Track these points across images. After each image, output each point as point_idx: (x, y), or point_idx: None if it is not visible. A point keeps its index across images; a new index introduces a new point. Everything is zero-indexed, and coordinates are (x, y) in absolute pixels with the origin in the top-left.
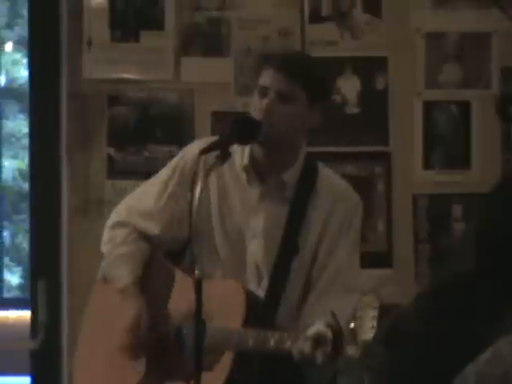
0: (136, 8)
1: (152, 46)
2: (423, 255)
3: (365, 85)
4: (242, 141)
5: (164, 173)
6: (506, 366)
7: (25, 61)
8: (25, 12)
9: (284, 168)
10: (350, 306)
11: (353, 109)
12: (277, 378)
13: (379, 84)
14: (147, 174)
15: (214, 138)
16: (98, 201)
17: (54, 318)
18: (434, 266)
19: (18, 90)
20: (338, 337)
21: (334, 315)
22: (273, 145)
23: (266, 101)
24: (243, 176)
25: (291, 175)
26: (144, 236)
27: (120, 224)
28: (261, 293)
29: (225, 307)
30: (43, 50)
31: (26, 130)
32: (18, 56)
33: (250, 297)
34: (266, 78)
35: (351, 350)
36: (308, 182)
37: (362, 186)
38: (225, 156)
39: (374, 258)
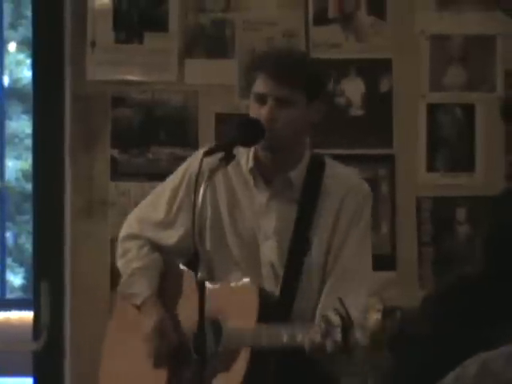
0: (140, 9)
1: (156, 47)
2: (427, 258)
3: (369, 87)
4: (246, 143)
5: (172, 180)
6: None
7: (28, 61)
8: (28, 13)
9: (290, 167)
10: (363, 295)
11: (357, 111)
12: (294, 377)
13: (383, 86)
14: (151, 176)
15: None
16: (101, 202)
17: (56, 319)
18: (437, 268)
19: (22, 90)
20: (347, 323)
21: (341, 301)
22: (277, 148)
23: (265, 108)
24: (250, 179)
25: (298, 173)
26: (157, 247)
27: (132, 236)
28: (278, 292)
29: (239, 307)
30: (47, 50)
31: (29, 130)
32: (21, 57)
33: (263, 294)
34: (261, 84)
35: (360, 336)
36: (315, 177)
37: None
38: (228, 158)
39: (377, 261)
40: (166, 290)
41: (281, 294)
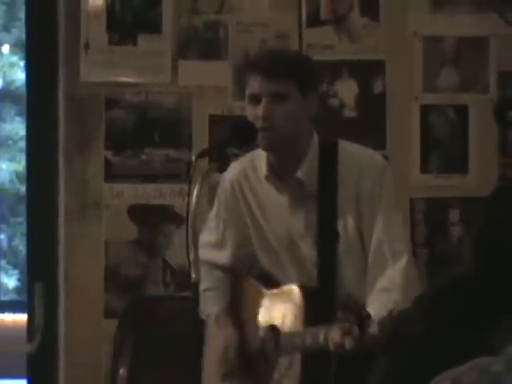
0: (133, 11)
1: (150, 49)
2: (420, 259)
3: (362, 88)
4: (239, 145)
5: (215, 205)
6: None
7: (22, 63)
8: (22, 14)
9: (296, 166)
10: (401, 272)
11: (350, 112)
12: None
13: (377, 88)
14: (145, 178)
15: (240, 162)
16: (95, 204)
17: (50, 321)
18: (431, 269)
19: (15, 92)
20: (361, 317)
21: (349, 297)
22: (279, 146)
23: (261, 107)
24: (269, 186)
25: (306, 169)
26: (217, 266)
27: (201, 263)
28: (319, 286)
29: (288, 311)
30: (40, 52)
31: (23, 132)
32: (14, 58)
33: (305, 293)
34: (255, 85)
35: (373, 327)
36: (329, 165)
37: None
38: (222, 160)
39: None
40: (238, 304)
41: (319, 290)
